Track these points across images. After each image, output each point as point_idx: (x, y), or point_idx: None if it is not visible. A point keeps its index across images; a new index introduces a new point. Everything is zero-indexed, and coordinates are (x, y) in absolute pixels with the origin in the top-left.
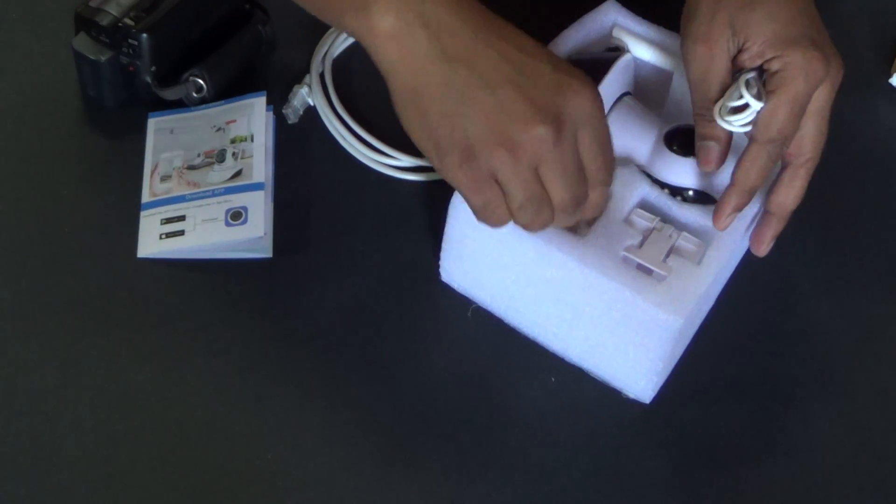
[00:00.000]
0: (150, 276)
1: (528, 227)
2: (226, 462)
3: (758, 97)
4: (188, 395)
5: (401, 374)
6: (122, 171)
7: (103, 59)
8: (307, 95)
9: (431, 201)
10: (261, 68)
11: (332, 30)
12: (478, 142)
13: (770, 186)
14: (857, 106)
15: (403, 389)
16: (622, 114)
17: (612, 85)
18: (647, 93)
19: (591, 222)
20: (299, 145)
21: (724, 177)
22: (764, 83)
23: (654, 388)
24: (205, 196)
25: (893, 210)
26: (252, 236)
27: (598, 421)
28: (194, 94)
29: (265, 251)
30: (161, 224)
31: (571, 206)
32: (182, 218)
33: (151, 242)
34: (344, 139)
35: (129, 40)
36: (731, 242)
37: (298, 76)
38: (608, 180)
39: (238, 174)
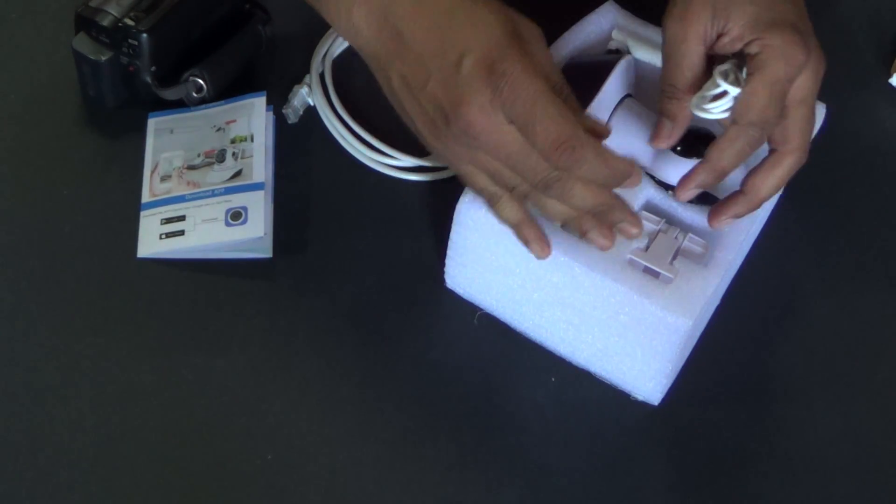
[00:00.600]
0: (150, 276)
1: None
2: (226, 462)
3: (735, 83)
4: (188, 395)
5: (401, 374)
6: (122, 171)
7: (103, 59)
8: (307, 95)
9: (432, 201)
10: (261, 68)
11: (331, 30)
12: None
13: (751, 169)
14: (857, 106)
15: (403, 389)
16: (625, 116)
17: (614, 87)
18: (647, 94)
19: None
20: (299, 145)
21: (729, 177)
22: (742, 69)
23: (662, 389)
24: (205, 196)
25: (893, 210)
26: (252, 236)
27: (599, 422)
28: (194, 94)
29: (265, 251)
30: (161, 224)
31: (556, 151)
32: (182, 218)
33: (151, 242)
34: (344, 139)
35: (129, 40)
36: (736, 243)
37: (298, 76)
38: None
39: (238, 174)
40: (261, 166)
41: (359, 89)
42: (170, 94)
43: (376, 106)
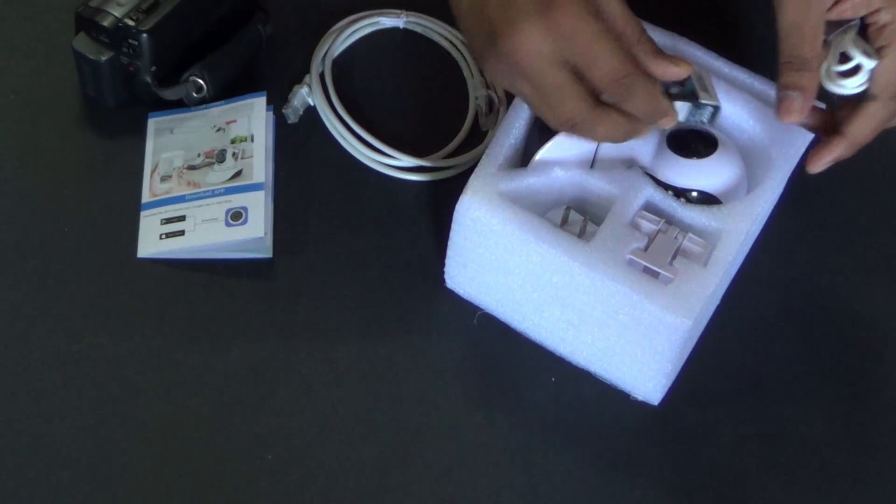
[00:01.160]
0: (150, 276)
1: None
2: (226, 462)
3: (868, 55)
4: (188, 395)
5: (401, 374)
6: (122, 171)
7: (103, 59)
8: (307, 95)
9: (432, 201)
10: (261, 68)
11: (332, 30)
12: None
13: (850, 113)
14: None
15: (403, 389)
16: None
17: None
18: None
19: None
20: (299, 145)
21: (729, 177)
22: (866, 38)
23: (662, 389)
24: (205, 196)
25: (894, 210)
26: (252, 236)
27: (599, 422)
28: (194, 94)
29: (265, 251)
30: (161, 224)
31: (621, 71)
32: (182, 218)
33: (151, 242)
34: (344, 139)
35: (129, 40)
36: (736, 243)
37: (298, 76)
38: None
39: (238, 174)
40: (261, 166)
41: (358, 89)
42: (170, 94)
43: (376, 106)
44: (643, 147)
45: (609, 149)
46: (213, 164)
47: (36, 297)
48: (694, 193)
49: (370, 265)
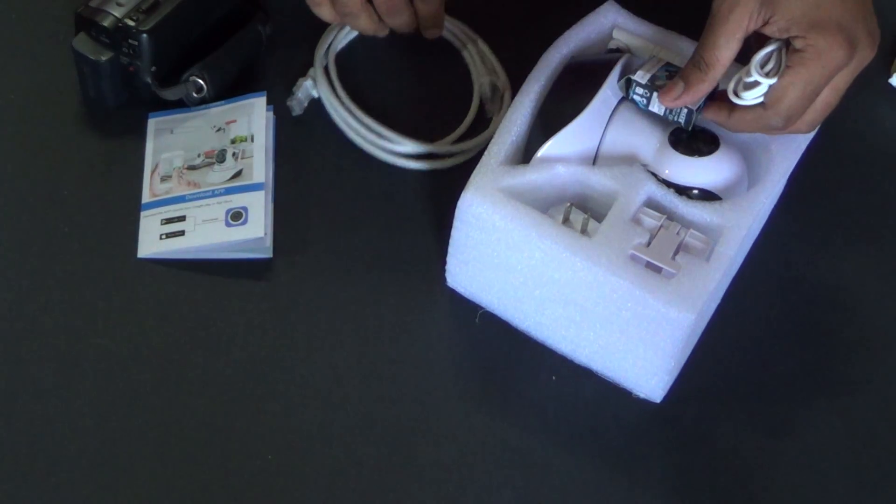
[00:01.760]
0: (150, 276)
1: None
2: (226, 462)
3: (770, 74)
4: (188, 395)
5: (401, 373)
6: (122, 171)
7: (103, 59)
8: (311, 88)
9: (432, 201)
10: (261, 68)
11: (332, 26)
12: None
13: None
14: (857, 106)
15: (403, 389)
16: (626, 114)
17: (615, 86)
18: None
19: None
20: (303, 139)
21: (730, 174)
22: (783, 57)
23: (664, 386)
24: (205, 196)
25: (894, 210)
26: (252, 236)
27: (599, 420)
28: (194, 94)
29: (265, 251)
30: (161, 224)
31: None
32: (182, 218)
33: (151, 242)
34: (349, 127)
35: (129, 40)
36: (737, 238)
37: (298, 75)
38: None
39: (238, 174)
40: (261, 166)
41: (362, 81)
42: (170, 94)
43: (380, 97)
44: (645, 144)
45: (611, 146)
46: (213, 164)
47: (36, 297)
48: (695, 191)
49: (370, 265)
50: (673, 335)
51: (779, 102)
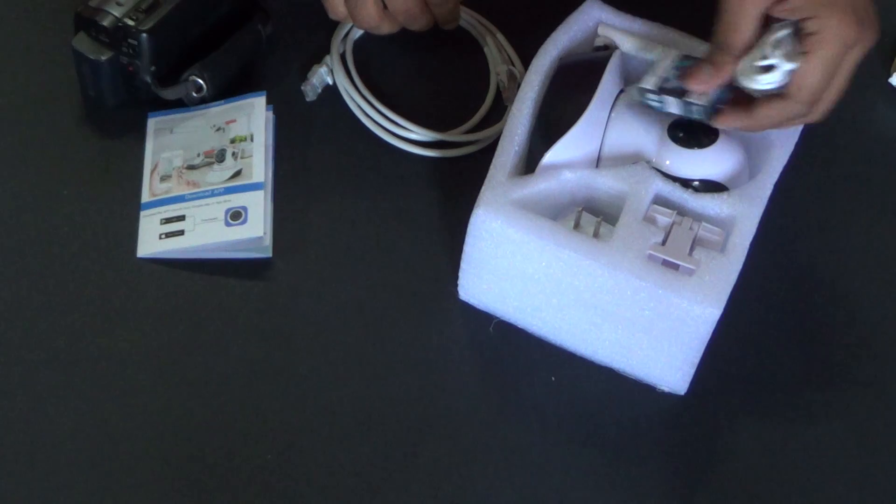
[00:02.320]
0: (150, 276)
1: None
2: (226, 462)
3: (788, 58)
4: (188, 395)
5: (400, 373)
6: (122, 171)
7: (103, 59)
8: (326, 74)
9: (434, 201)
10: (260, 68)
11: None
12: None
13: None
14: (857, 106)
15: (403, 389)
16: (624, 112)
17: (609, 84)
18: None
19: None
20: (302, 140)
21: (732, 164)
22: (796, 39)
23: (688, 379)
24: (204, 196)
25: (893, 209)
26: (252, 236)
27: (599, 420)
28: (194, 94)
29: (265, 251)
30: (161, 224)
31: None
32: (182, 218)
33: (151, 242)
34: (363, 112)
35: (129, 40)
36: (751, 226)
37: (299, 75)
38: None
39: (238, 174)
40: (260, 166)
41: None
42: (169, 93)
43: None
44: (646, 141)
45: (613, 146)
46: (212, 163)
47: (36, 297)
48: (697, 183)
49: (370, 264)
50: (698, 330)
51: (802, 89)
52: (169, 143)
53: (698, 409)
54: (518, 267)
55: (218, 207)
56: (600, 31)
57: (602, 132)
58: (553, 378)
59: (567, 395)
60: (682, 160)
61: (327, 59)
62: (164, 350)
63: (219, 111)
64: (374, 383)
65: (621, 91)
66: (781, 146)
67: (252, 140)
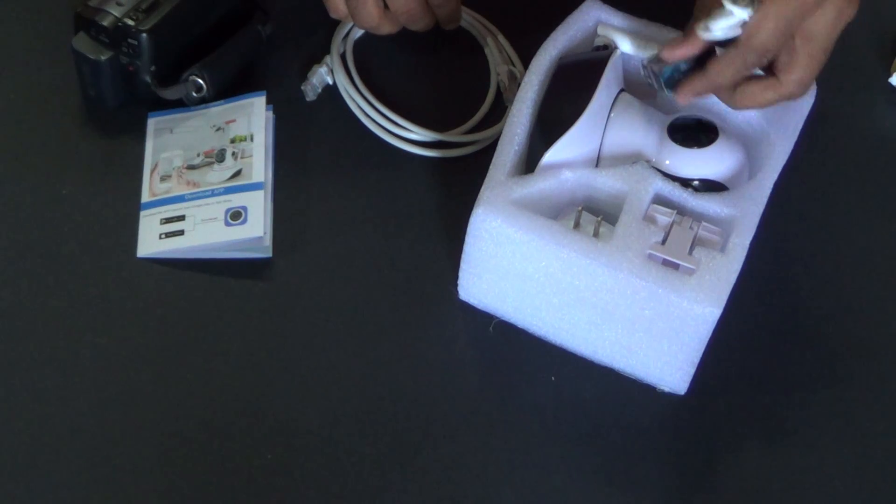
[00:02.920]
0: (150, 275)
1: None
2: (226, 462)
3: (741, 5)
4: (188, 394)
5: (401, 373)
6: (122, 171)
7: (103, 59)
8: (326, 74)
9: (434, 201)
10: (260, 68)
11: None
12: None
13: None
14: (857, 106)
15: (403, 389)
16: (624, 112)
17: (609, 84)
18: (637, 86)
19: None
20: (302, 140)
21: (732, 163)
22: None
23: (688, 379)
24: (204, 196)
25: (893, 209)
26: (252, 236)
27: (599, 420)
28: (194, 94)
29: (265, 251)
30: (161, 224)
31: None
32: (182, 218)
33: (151, 242)
34: (363, 112)
35: (129, 40)
36: (751, 226)
37: (299, 75)
38: None
39: (238, 174)
40: (260, 166)
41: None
42: (170, 93)
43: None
44: (646, 140)
45: (612, 145)
46: (212, 163)
47: (36, 297)
48: (697, 182)
49: (370, 264)
50: (699, 330)
51: (752, 38)
52: (169, 143)
53: (698, 409)
54: (518, 266)
55: (218, 207)
56: (600, 30)
57: (602, 132)
58: (553, 378)
59: (567, 395)
60: (681, 160)
61: (327, 59)
62: (164, 350)
63: (219, 111)
64: (374, 383)
65: (621, 91)
66: (781, 146)
67: (252, 140)
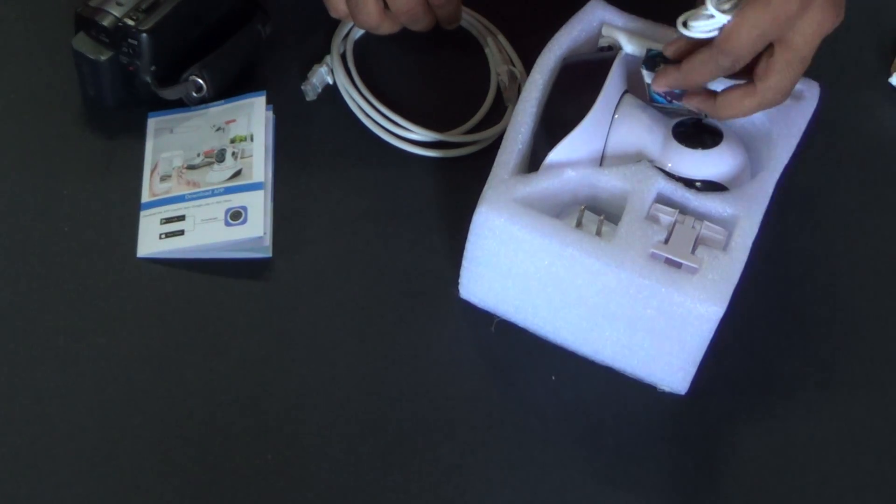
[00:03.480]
0: (150, 275)
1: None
2: (226, 462)
3: (722, 10)
4: (188, 394)
5: (401, 374)
6: (122, 171)
7: (103, 58)
8: (326, 74)
9: (434, 201)
10: (260, 68)
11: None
12: None
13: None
14: (857, 106)
15: (403, 389)
16: (629, 112)
17: (614, 85)
18: (640, 87)
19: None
20: (302, 140)
21: (735, 164)
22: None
23: (689, 378)
24: (204, 196)
25: (893, 209)
26: (252, 236)
27: (599, 420)
28: (194, 94)
29: (265, 251)
30: (161, 224)
31: None
32: (182, 218)
33: (151, 242)
34: (363, 112)
35: (129, 40)
36: (754, 226)
37: (299, 75)
38: None
39: (238, 174)
40: (260, 166)
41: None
42: (170, 93)
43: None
44: (650, 141)
45: (617, 145)
46: (212, 163)
47: (36, 297)
48: (698, 183)
49: (370, 265)
50: (701, 329)
51: (726, 42)
52: (169, 143)
53: (698, 409)
54: (520, 265)
55: (218, 207)
56: (604, 31)
57: (606, 132)
58: (553, 378)
59: (567, 395)
60: (685, 161)
61: (327, 58)
62: (164, 350)
63: (219, 111)
64: (374, 383)
65: (625, 91)
66: (783, 145)
67: (252, 140)
